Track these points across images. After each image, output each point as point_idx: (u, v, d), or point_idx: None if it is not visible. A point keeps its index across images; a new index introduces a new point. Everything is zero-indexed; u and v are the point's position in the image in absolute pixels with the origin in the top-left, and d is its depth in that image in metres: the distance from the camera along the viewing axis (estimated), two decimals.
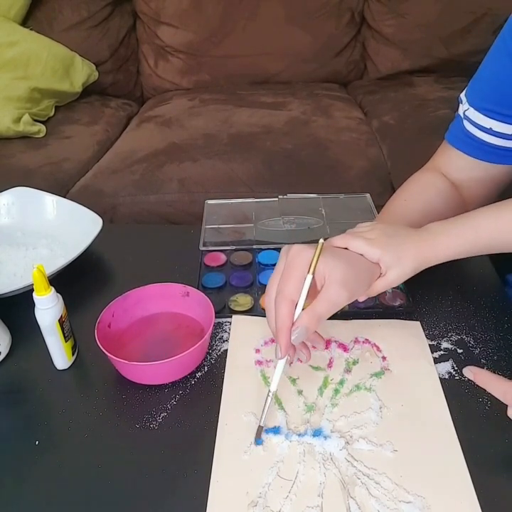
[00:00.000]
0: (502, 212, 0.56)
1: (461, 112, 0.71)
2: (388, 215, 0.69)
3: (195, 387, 0.59)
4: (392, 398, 0.56)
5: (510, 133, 0.66)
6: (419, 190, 0.72)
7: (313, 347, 0.61)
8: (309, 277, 0.51)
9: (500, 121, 0.65)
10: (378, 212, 0.84)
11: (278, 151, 1.30)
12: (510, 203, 0.57)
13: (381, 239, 0.56)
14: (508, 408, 0.50)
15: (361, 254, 0.55)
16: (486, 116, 0.66)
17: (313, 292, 0.52)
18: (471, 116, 0.68)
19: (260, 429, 0.52)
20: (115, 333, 0.63)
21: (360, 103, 1.65)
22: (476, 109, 0.67)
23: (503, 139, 0.66)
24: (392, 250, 0.55)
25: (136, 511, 0.47)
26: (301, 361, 0.56)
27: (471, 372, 0.55)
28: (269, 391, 0.53)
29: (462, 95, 0.71)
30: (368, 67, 1.80)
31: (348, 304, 0.68)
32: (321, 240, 0.52)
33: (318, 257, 0.51)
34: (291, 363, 0.55)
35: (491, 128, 0.66)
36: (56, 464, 0.51)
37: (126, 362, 0.56)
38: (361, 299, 0.58)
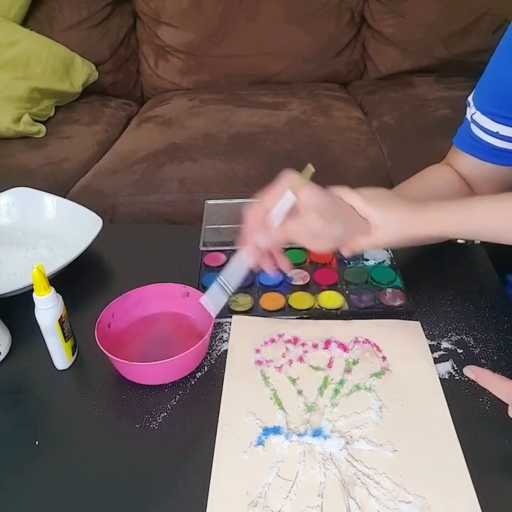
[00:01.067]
0: (498, 200, 0.56)
1: (468, 115, 0.71)
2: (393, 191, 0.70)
3: (195, 387, 0.59)
4: (392, 398, 0.56)
5: None
6: (428, 176, 0.74)
7: (315, 346, 0.61)
8: (289, 193, 0.53)
9: (504, 124, 0.65)
10: None
11: (278, 151, 1.30)
12: (509, 194, 0.57)
13: (376, 199, 0.57)
14: (509, 407, 0.50)
15: (353, 208, 0.57)
16: (491, 120, 0.66)
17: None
18: (478, 119, 0.68)
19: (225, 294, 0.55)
20: (115, 333, 0.63)
21: (360, 103, 1.65)
22: (482, 113, 0.67)
23: (510, 142, 0.66)
24: (383, 211, 0.56)
25: (136, 511, 0.47)
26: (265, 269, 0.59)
27: (472, 372, 0.55)
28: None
29: (470, 98, 0.70)
30: (368, 67, 1.80)
31: (348, 304, 0.68)
32: (310, 165, 0.54)
33: (304, 181, 0.53)
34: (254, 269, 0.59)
35: (497, 132, 0.66)
36: (56, 464, 0.51)
37: (126, 362, 0.56)
38: (345, 254, 0.59)
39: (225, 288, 0.57)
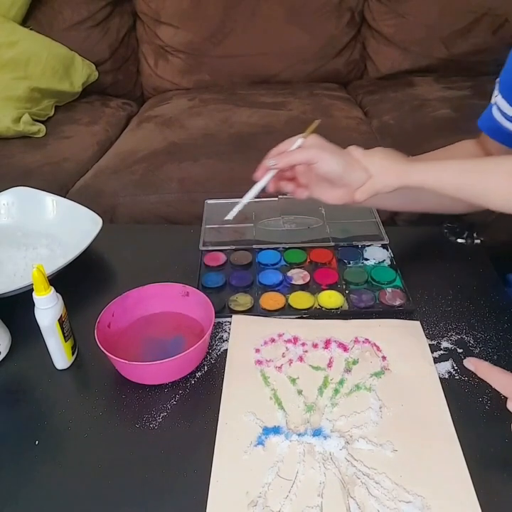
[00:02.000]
0: (466, 163, 0.59)
1: (493, 97, 0.70)
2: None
3: (195, 387, 0.59)
4: (392, 398, 0.56)
5: None
6: (455, 147, 0.75)
7: (315, 346, 0.61)
8: (301, 139, 0.64)
9: None
10: (377, 213, 0.84)
11: None
12: (479, 160, 0.61)
13: (376, 152, 0.64)
14: (508, 401, 0.49)
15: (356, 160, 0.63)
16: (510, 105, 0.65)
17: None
18: (500, 103, 0.68)
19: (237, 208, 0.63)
20: (115, 333, 0.63)
21: (360, 103, 1.65)
22: (503, 98, 0.67)
23: None
24: (380, 161, 0.63)
25: (136, 511, 0.47)
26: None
27: (471, 364, 0.55)
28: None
29: (497, 80, 0.70)
30: (368, 67, 1.80)
31: (348, 304, 0.68)
32: (318, 120, 0.66)
33: (313, 130, 0.65)
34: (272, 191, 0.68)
35: None
36: (56, 464, 0.51)
37: (126, 362, 0.56)
38: (349, 201, 0.63)
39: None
